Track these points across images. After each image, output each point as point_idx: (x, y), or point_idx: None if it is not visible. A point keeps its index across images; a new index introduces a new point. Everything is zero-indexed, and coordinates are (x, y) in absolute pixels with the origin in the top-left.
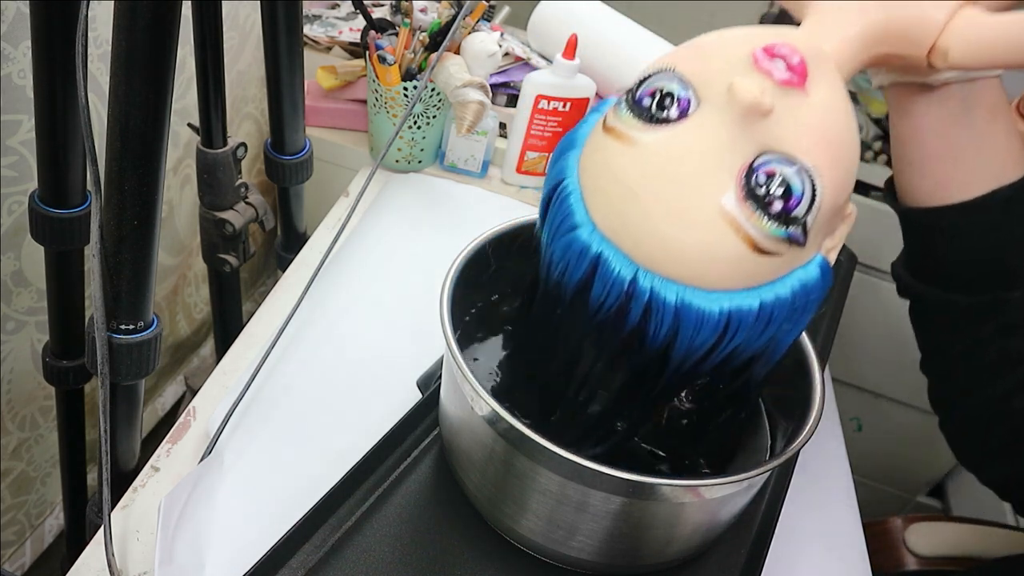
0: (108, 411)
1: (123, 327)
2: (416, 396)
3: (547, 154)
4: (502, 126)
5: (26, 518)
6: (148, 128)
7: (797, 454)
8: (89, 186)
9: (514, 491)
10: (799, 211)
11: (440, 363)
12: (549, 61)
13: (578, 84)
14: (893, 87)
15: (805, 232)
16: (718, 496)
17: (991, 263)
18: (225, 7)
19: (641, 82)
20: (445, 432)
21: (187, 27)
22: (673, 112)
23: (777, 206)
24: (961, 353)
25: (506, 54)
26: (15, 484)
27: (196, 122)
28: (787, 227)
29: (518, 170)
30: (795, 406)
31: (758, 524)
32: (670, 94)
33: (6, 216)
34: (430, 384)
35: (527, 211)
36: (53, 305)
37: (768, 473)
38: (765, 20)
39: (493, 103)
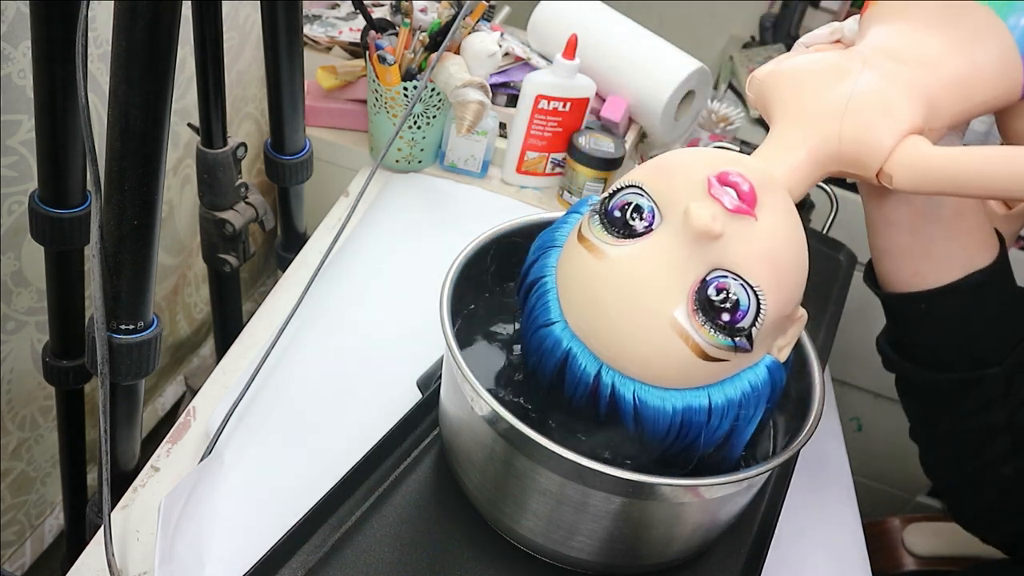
0: (108, 411)
1: (123, 327)
2: (416, 396)
3: (547, 154)
4: (502, 126)
5: (26, 518)
6: (148, 128)
7: (797, 454)
8: (89, 186)
9: (514, 491)
10: (744, 323)
11: (440, 363)
12: (549, 61)
13: (578, 84)
14: (863, 184)
15: (750, 341)
16: (718, 496)
17: (968, 343)
18: (225, 7)
19: (612, 196)
20: (445, 432)
21: (187, 27)
22: (639, 226)
23: (725, 318)
24: (945, 426)
25: (506, 54)
26: (15, 484)
27: (196, 122)
28: (733, 337)
29: (518, 170)
30: (795, 406)
31: (758, 524)
32: (638, 208)
33: (6, 216)
34: (430, 384)
35: (527, 211)
36: (53, 305)
37: (768, 473)
38: (765, 21)
39: (493, 103)
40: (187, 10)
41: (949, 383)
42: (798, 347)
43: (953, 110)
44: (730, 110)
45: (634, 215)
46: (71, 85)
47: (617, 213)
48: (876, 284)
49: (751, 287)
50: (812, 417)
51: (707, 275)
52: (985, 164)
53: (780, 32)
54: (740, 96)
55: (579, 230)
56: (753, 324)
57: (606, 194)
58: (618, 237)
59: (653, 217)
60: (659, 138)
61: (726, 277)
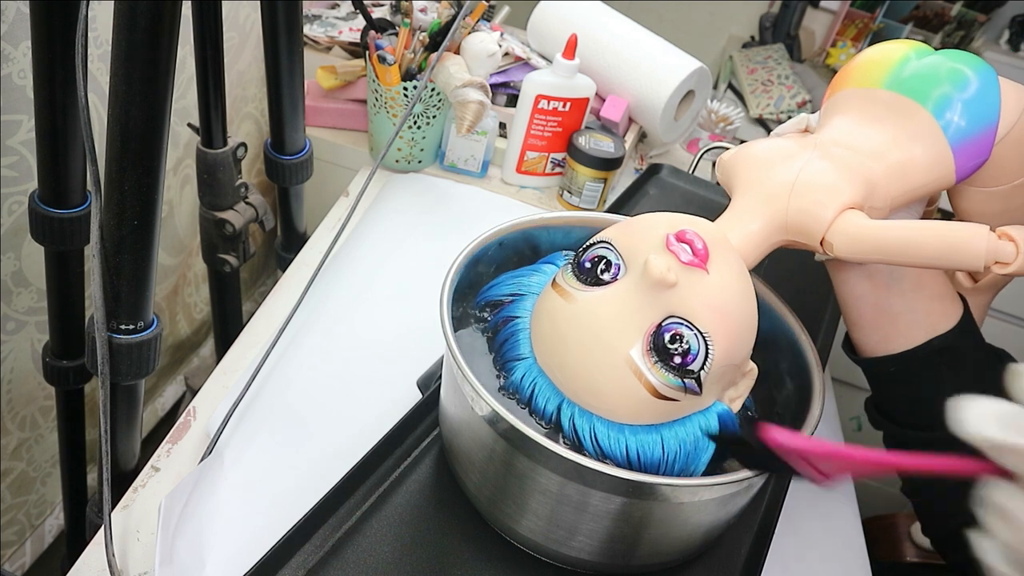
0: (108, 411)
1: (123, 327)
2: (416, 396)
3: (547, 154)
4: (502, 126)
5: (26, 518)
6: (148, 128)
7: None
8: (89, 186)
9: (514, 491)
10: (694, 366)
11: (440, 363)
12: (549, 61)
13: (578, 84)
14: (829, 261)
15: (699, 383)
16: (718, 496)
17: (938, 403)
18: (225, 7)
19: (585, 250)
20: (445, 432)
21: (187, 27)
22: (607, 276)
23: (676, 360)
24: (928, 482)
25: (506, 54)
26: (15, 484)
27: (196, 122)
28: (683, 379)
29: (518, 170)
30: (795, 406)
31: (758, 524)
32: (607, 261)
33: (6, 216)
34: (430, 384)
35: (527, 211)
36: (53, 305)
37: (768, 473)
38: (764, 21)
39: (493, 103)
40: (187, 10)
41: (923, 441)
42: (798, 347)
43: (892, 193)
44: (730, 110)
45: (603, 267)
46: (71, 85)
47: (588, 264)
48: (853, 351)
49: (701, 333)
50: (812, 417)
51: (662, 321)
52: (912, 235)
53: (779, 32)
54: (740, 96)
55: (554, 279)
56: (702, 368)
57: (581, 249)
58: (587, 284)
59: (619, 269)
60: (659, 138)
61: (679, 324)
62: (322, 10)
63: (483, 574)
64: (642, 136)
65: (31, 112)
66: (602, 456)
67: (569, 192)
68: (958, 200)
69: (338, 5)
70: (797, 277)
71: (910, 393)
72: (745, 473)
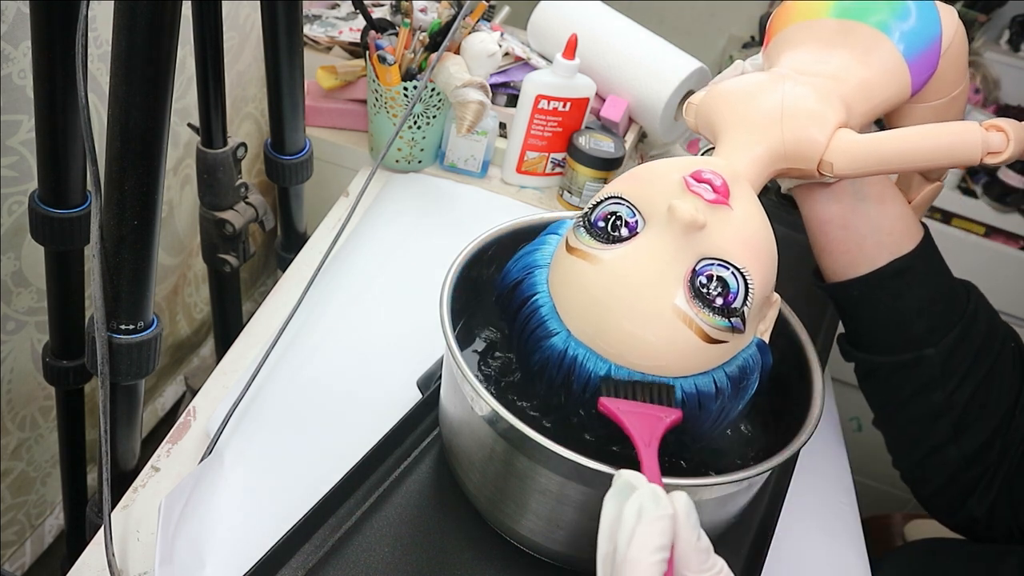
0: (108, 411)
1: (123, 327)
2: (416, 396)
3: (547, 154)
4: (502, 126)
5: (26, 518)
6: (148, 128)
7: (797, 454)
8: (89, 186)
9: (514, 491)
10: (737, 303)
11: (440, 363)
12: (549, 61)
13: (578, 84)
14: (797, 188)
15: (744, 320)
16: (718, 496)
17: (902, 326)
18: (225, 7)
19: (594, 208)
20: (445, 432)
21: (187, 27)
22: (624, 232)
23: (719, 301)
24: (893, 411)
25: (506, 54)
26: (15, 484)
27: (196, 122)
28: (730, 318)
29: (518, 170)
30: (795, 406)
31: (758, 524)
32: (620, 217)
33: (6, 216)
34: (430, 384)
35: (527, 211)
36: (53, 305)
37: (768, 473)
38: (764, 21)
39: (493, 103)
40: (187, 10)
41: (890, 365)
42: (798, 348)
43: (862, 109)
44: None
45: (618, 223)
46: (71, 85)
47: (601, 223)
48: (821, 280)
49: (738, 269)
50: (812, 417)
51: (697, 264)
52: (908, 141)
53: None
54: None
55: (566, 243)
56: (744, 304)
57: (587, 208)
58: (607, 243)
59: (636, 222)
60: (659, 138)
61: (713, 264)
62: (322, 10)
63: (483, 574)
64: (642, 136)
65: (31, 112)
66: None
67: (569, 192)
68: (898, 120)
69: (338, 5)
70: (797, 277)
71: (874, 316)
72: (745, 473)
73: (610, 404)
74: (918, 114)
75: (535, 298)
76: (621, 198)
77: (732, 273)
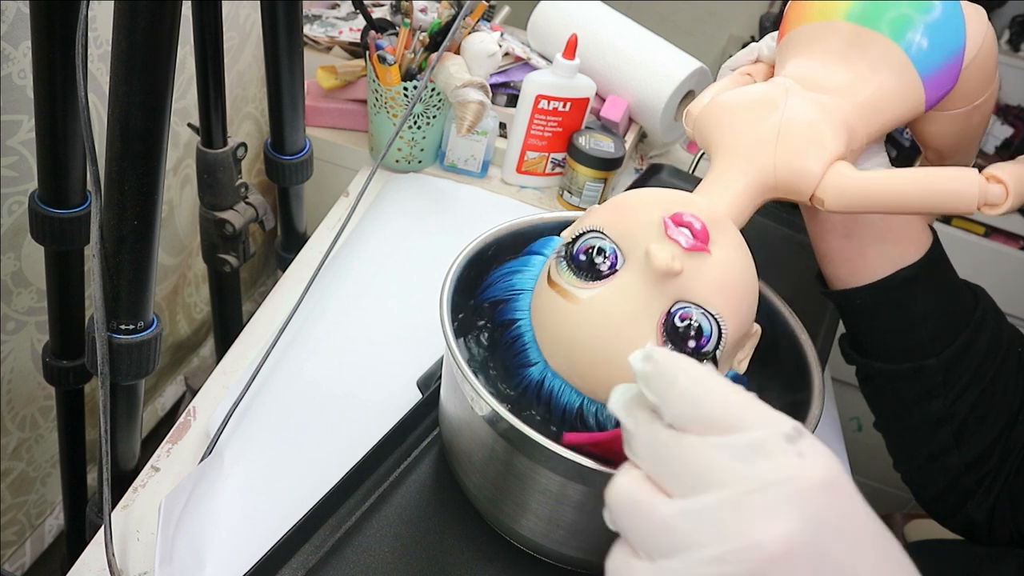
0: (108, 411)
1: (123, 327)
2: (416, 396)
3: (547, 154)
4: (502, 126)
5: (26, 518)
6: (148, 128)
7: None
8: (89, 186)
9: (514, 491)
10: (709, 347)
11: (440, 363)
12: (549, 61)
13: (578, 84)
14: None
15: (715, 363)
16: None
17: (905, 335)
18: (225, 7)
19: (575, 240)
20: (445, 432)
21: (187, 27)
22: (604, 267)
23: (691, 344)
24: (894, 416)
25: (506, 54)
26: (15, 484)
27: (196, 122)
28: (700, 361)
29: (518, 170)
30: (795, 406)
31: None
32: (601, 250)
33: (6, 216)
34: (430, 384)
35: (527, 211)
36: (53, 305)
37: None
38: (764, 21)
39: (493, 103)
40: (187, 10)
41: (892, 373)
42: (798, 348)
43: (868, 130)
44: None
45: (598, 257)
46: (71, 85)
47: (582, 257)
48: (824, 285)
49: (711, 315)
50: (812, 417)
51: (671, 307)
52: (903, 185)
53: None
54: None
55: (548, 275)
56: (716, 348)
57: (569, 238)
58: (586, 280)
59: (616, 258)
60: (659, 138)
61: (688, 308)
62: (322, 10)
63: (483, 574)
64: (642, 136)
65: (31, 112)
66: None
67: (569, 192)
68: (919, 124)
69: (338, 5)
70: (797, 277)
71: (877, 324)
72: None
73: (574, 439)
74: (938, 121)
75: (517, 324)
76: (602, 232)
77: (706, 317)
